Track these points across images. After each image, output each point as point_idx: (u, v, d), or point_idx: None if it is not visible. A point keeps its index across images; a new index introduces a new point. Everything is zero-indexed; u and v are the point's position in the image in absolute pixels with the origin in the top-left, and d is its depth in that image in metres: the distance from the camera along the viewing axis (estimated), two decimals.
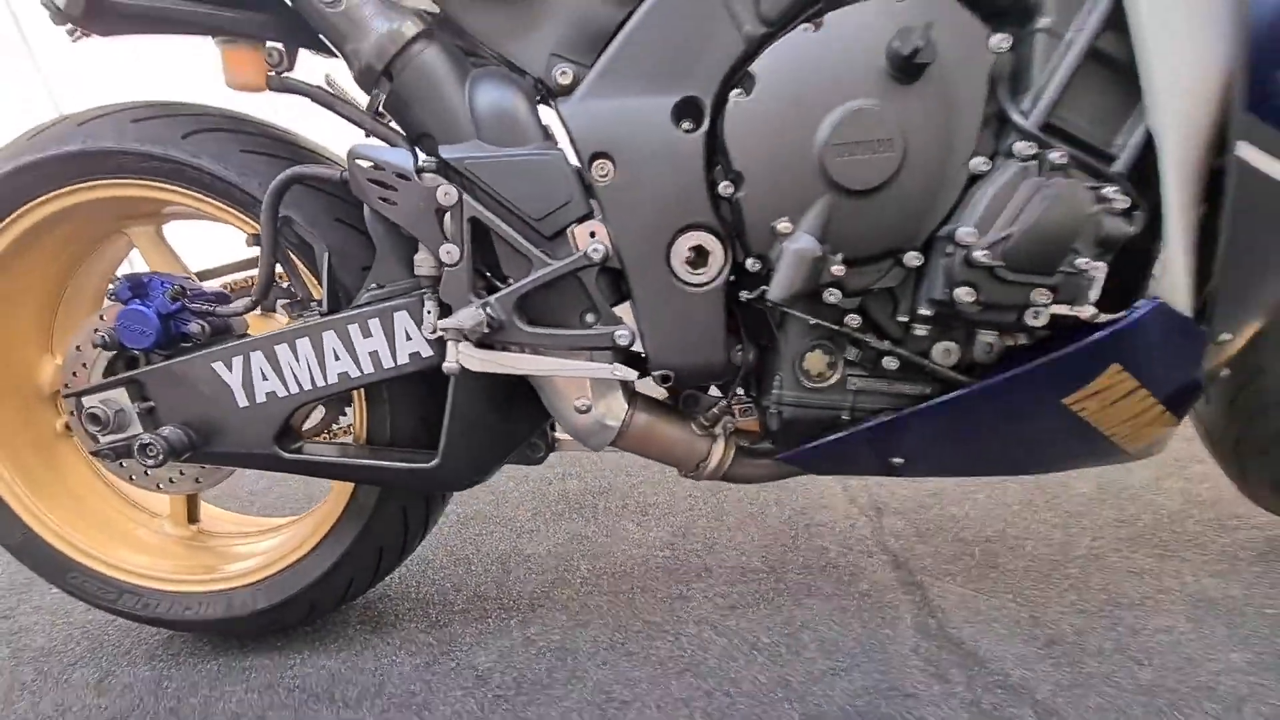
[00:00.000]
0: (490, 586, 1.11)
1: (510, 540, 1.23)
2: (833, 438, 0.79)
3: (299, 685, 0.94)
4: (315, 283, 0.84)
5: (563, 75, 0.73)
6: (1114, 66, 0.62)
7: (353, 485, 0.92)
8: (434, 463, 0.84)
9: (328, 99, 0.76)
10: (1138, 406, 0.77)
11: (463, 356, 0.75)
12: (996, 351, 0.73)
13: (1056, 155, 0.62)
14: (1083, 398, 0.75)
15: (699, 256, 0.73)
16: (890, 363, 0.75)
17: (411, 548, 1.00)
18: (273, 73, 0.76)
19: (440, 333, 0.74)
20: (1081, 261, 0.63)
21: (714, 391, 0.87)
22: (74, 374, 0.88)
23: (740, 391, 0.85)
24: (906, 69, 0.62)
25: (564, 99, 0.72)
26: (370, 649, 1.00)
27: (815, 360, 0.77)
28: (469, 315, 0.71)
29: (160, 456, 0.79)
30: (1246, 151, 0.61)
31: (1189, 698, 0.81)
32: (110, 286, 0.80)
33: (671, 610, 1.02)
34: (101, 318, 0.86)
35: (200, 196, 0.83)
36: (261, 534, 1.06)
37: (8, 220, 0.84)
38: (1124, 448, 0.83)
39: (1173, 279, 0.67)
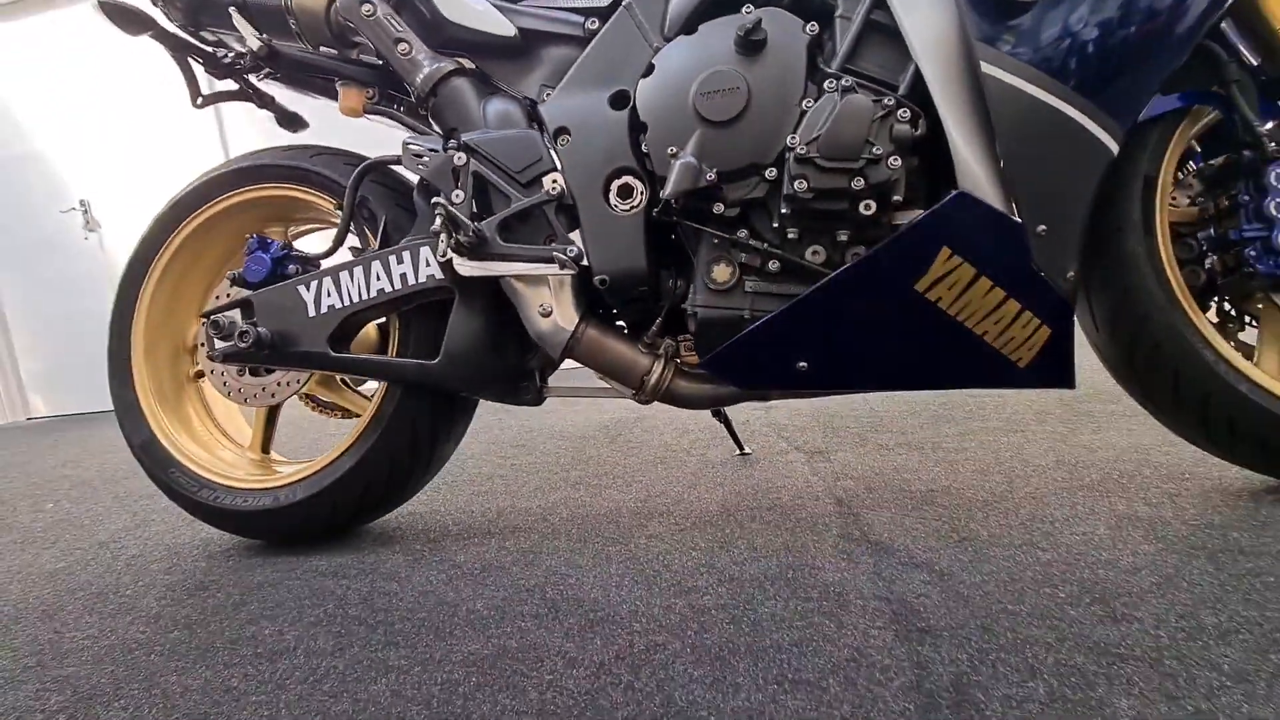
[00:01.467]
0: (484, 524, 1.28)
1: (509, 500, 1.41)
2: (739, 336, 0.99)
3: (312, 569, 1.14)
4: (375, 241, 1.20)
5: (547, 95, 1.11)
6: (887, 31, 0.91)
7: (378, 406, 1.19)
8: (436, 361, 1.11)
9: (397, 115, 1.18)
10: (991, 299, 0.92)
11: (458, 264, 1.05)
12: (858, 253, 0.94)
13: (845, 81, 0.89)
14: (931, 283, 0.92)
15: (627, 192, 1.02)
16: (774, 265, 0.97)
17: (420, 469, 1.22)
18: (369, 103, 1.19)
19: (438, 217, 1.03)
20: (878, 150, 0.86)
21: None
22: None
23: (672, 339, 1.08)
24: (747, 45, 0.93)
25: (542, 104, 1.09)
26: (374, 552, 1.18)
27: (721, 271, 1.00)
28: (462, 214, 1.02)
29: (251, 344, 1.11)
30: (990, 69, 0.85)
31: (1085, 568, 0.83)
32: (247, 241, 1.19)
33: (629, 532, 1.14)
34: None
35: (315, 194, 1.25)
36: (309, 463, 1.32)
37: (198, 211, 1.29)
38: (1009, 356, 0.96)
39: (970, 174, 0.88)
